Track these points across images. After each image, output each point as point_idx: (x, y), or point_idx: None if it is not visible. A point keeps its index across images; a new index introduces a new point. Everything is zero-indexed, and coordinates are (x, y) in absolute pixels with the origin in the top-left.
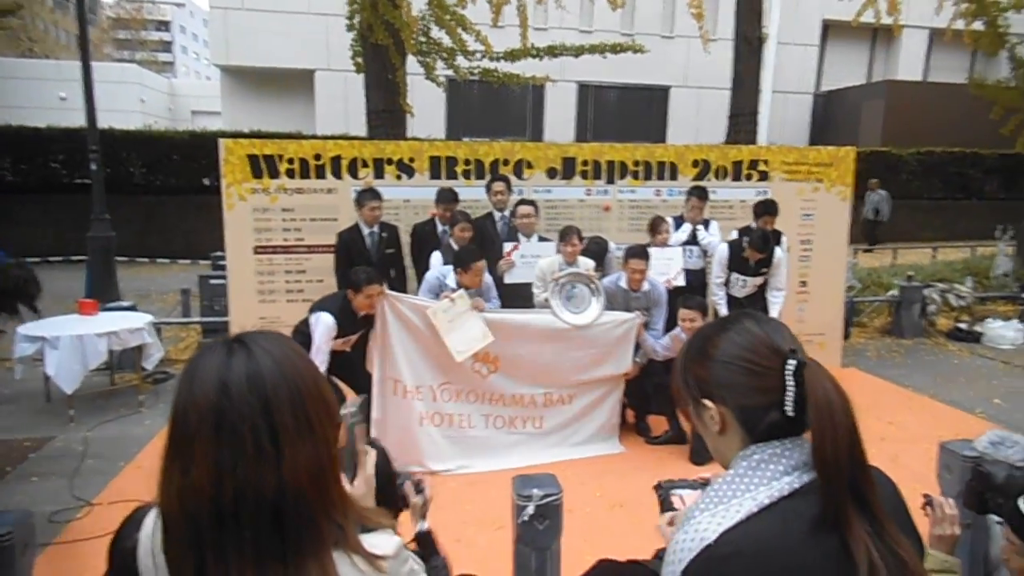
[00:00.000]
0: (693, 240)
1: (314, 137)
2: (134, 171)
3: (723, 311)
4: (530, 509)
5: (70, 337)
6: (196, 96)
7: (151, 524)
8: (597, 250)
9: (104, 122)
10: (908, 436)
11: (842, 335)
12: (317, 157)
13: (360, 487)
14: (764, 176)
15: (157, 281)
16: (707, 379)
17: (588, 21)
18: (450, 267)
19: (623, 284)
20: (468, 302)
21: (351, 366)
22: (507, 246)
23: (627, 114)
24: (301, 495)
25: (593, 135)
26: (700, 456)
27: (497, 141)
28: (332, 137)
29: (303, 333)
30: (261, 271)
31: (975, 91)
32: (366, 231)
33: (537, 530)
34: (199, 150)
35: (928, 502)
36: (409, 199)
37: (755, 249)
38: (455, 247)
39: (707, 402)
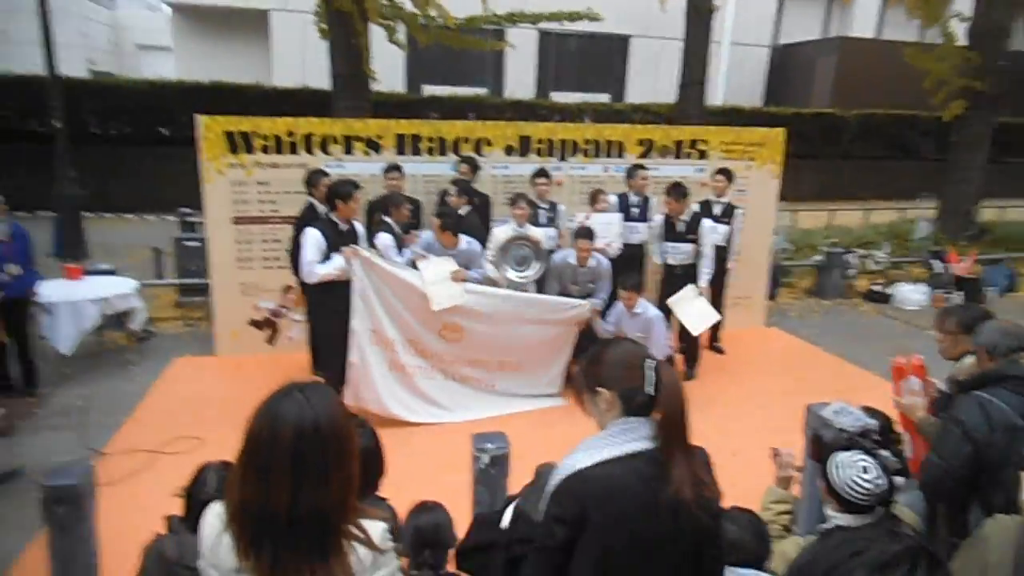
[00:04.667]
0: (638, 218)
1: (275, 89)
2: (89, 121)
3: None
4: (485, 459)
5: (66, 303)
6: (141, 28)
7: (216, 515)
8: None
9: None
10: (810, 391)
11: (766, 297)
12: (290, 134)
13: None
14: (703, 155)
15: (123, 235)
16: (600, 374)
17: None
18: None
19: (572, 260)
20: (454, 267)
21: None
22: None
23: (588, 64)
24: (339, 507)
25: (554, 85)
26: None
27: (458, 91)
28: (292, 90)
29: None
30: (239, 240)
31: (911, 60)
32: None
33: (491, 475)
34: (157, 99)
35: (775, 453)
36: (376, 174)
37: (669, 197)
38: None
39: (600, 388)
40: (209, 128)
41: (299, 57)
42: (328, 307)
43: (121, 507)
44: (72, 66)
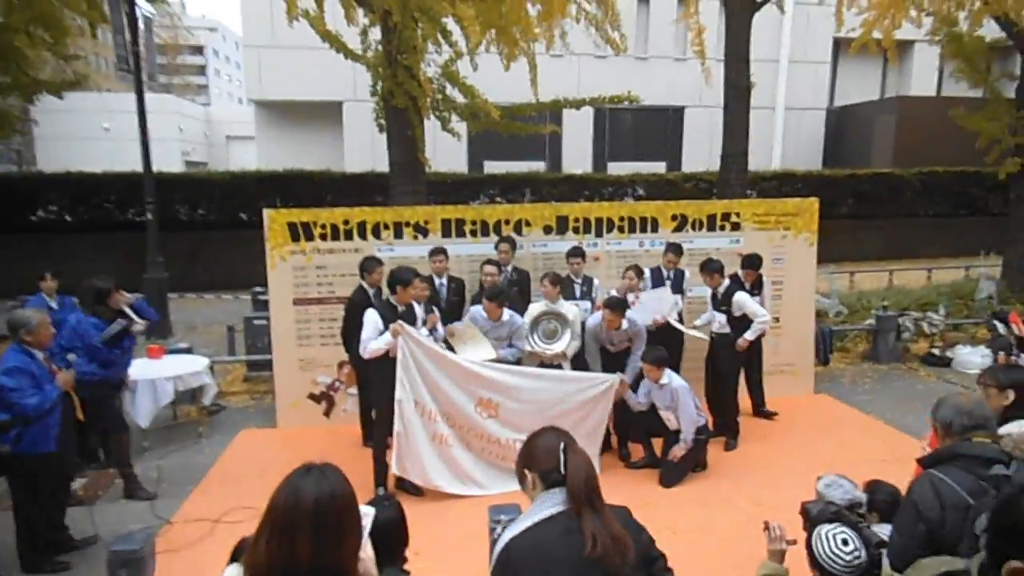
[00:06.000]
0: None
1: (343, 174)
2: (179, 209)
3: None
4: (499, 530)
5: (145, 381)
6: (230, 122)
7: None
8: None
9: None
10: (853, 460)
11: (813, 364)
12: (345, 223)
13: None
14: (736, 227)
15: (202, 313)
16: (529, 459)
17: (602, 45)
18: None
19: (600, 320)
20: (490, 354)
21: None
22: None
23: (643, 136)
24: (348, 566)
25: (610, 156)
26: (668, 480)
27: (515, 168)
28: (359, 175)
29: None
30: (299, 319)
31: (960, 121)
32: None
33: None
34: (238, 188)
35: (766, 526)
36: (424, 256)
37: (702, 273)
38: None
39: (526, 471)
40: (274, 220)
41: (369, 144)
42: (378, 383)
43: (181, 573)
44: (170, 158)
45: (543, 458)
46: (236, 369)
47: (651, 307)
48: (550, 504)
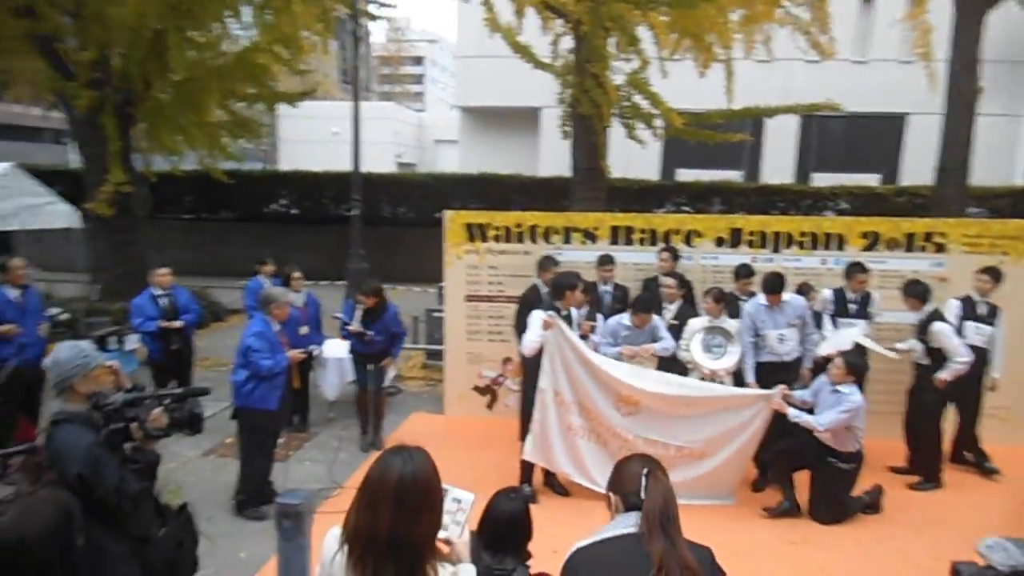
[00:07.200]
0: (856, 315)
1: (532, 179)
2: (384, 207)
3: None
4: None
5: (334, 359)
6: (439, 127)
7: (334, 537)
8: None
9: (363, 152)
10: None
11: None
12: (518, 225)
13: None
14: (940, 248)
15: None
16: (614, 482)
17: (808, 50)
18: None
19: (762, 301)
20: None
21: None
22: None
23: (856, 145)
24: (424, 542)
25: (815, 167)
26: (818, 514)
27: (703, 176)
28: (546, 179)
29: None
30: (470, 315)
31: None
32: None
33: None
34: (436, 189)
35: None
36: (590, 261)
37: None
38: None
39: (611, 494)
40: (453, 220)
41: (562, 150)
42: (533, 380)
43: None
44: (384, 159)
45: (627, 481)
46: (416, 356)
47: (835, 342)
48: (623, 525)
